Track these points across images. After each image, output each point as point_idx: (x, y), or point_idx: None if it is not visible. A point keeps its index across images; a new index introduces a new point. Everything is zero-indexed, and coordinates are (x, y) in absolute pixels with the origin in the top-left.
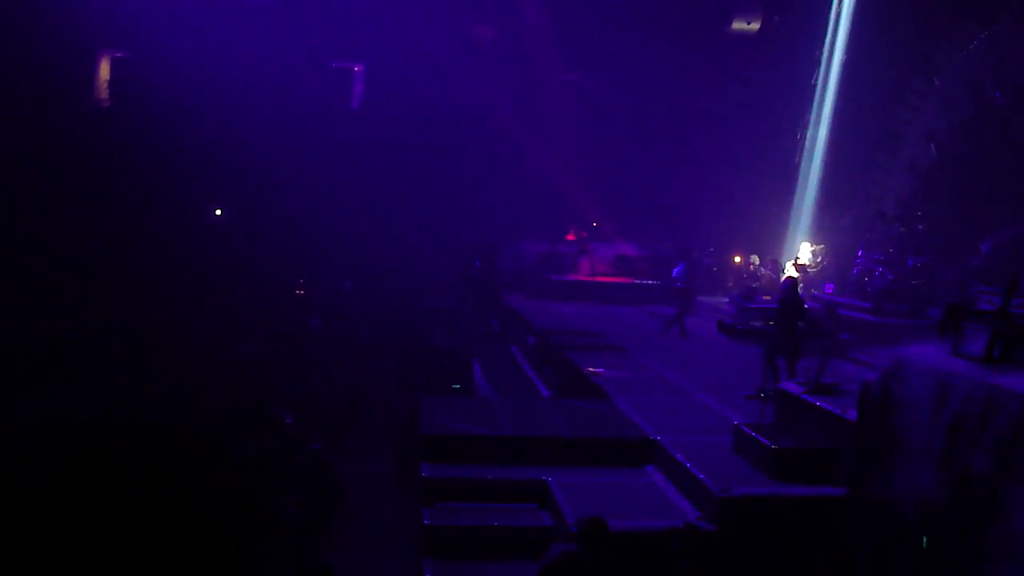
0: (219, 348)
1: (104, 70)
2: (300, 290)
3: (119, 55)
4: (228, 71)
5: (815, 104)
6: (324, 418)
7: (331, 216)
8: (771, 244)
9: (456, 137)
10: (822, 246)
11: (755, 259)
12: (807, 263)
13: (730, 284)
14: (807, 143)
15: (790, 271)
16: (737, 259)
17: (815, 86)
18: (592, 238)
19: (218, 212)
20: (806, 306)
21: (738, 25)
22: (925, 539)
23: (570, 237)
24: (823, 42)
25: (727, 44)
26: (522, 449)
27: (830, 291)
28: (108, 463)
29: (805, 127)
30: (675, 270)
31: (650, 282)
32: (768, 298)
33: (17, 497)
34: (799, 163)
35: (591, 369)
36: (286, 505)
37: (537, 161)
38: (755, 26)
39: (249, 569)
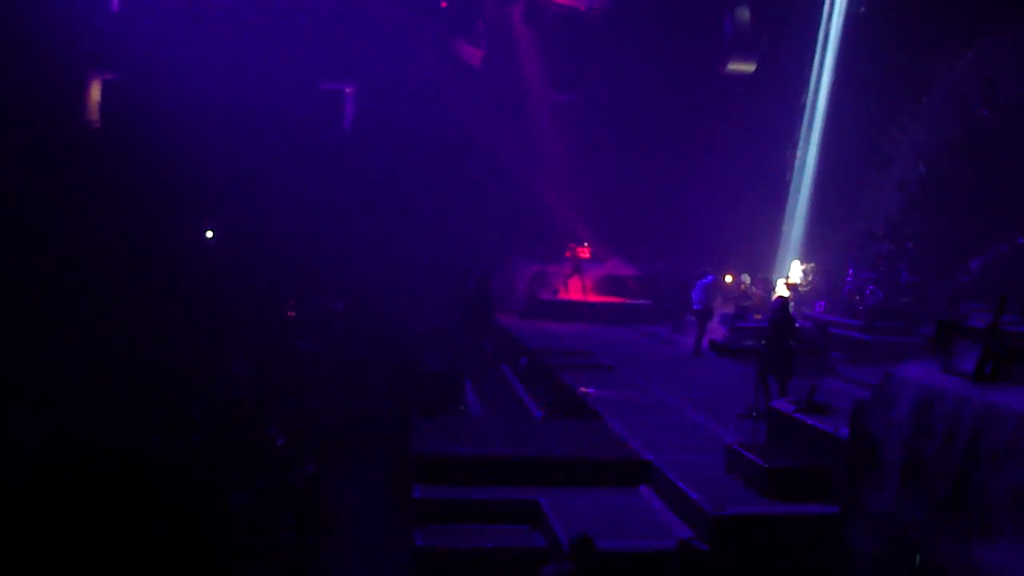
0: (211, 370)
1: (95, 92)
2: (292, 311)
3: (109, 78)
4: (219, 93)
5: (805, 124)
6: (316, 440)
7: (323, 237)
8: (762, 263)
9: (447, 158)
10: (813, 265)
11: (746, 278)
12: (798, 282)
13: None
14: (797, 162)
15: (781, 290)
16: (728, 278)
17: (804, 106)
18: (580, 259)
19: (209, 234)
20: (797, 325)
21: (734, 66)
22: (918, 556)
23: (579, 251)
24: (812, 62)
25: (716, 62)
26: (514, 470)
27: (821, 309)
28: (96, 486)
29: (795, 147)
30: (694, 291)
31: (641, 302)
32: (759, 317)
33: (4, 520)
34: (789, 182)
35: (583, 389)
36: (278, 527)
37: (528, 181)
38: (750, 67)
39: None
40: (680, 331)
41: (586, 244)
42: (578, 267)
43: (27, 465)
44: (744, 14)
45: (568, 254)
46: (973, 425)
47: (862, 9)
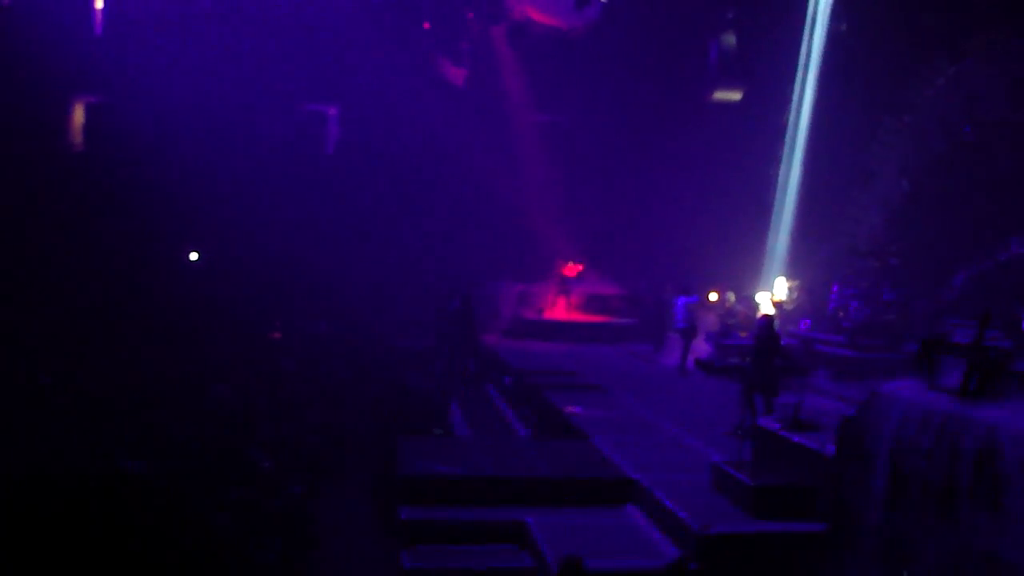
0: (195, 392)
1: (78, 115)
2: (276, 333)
3: (93, 100)
4: (203, 115)
5: (788, 142)
6: (301, 462)
7: (307, 259)
8: (747, 281)
9: (431, 178)
10: (797, 282)
11: (731, 296)
12: (783, 299)
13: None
14: (781, 180)
15: (766, 307)
16: (713, 296)
17: (787, 124)
18: (568, 277)
19: (194, 256)
20: (782, 342)
21: (721, 95)
22: (905, 572)
23: (567, 271)
24: (794, 81)
25: (699, 84)
26: (501, 490)
27: (806, 327)
28: (79, 511)
29: (778, 164)
30: (677, 309)
31: (626, 320)
32: (744, 335)
33: None
34: (773, 200)
35: (569, 409)
36: (263, 550)
37: (512, 201)
38: (736, 96)
39: None
40: (660, 350)
41: (575, 262)
42: (564, 284)
43: (7, 489)
44: (730, 40)
45: (557, 271)
46: (957, 440)
47: (844, 27)
